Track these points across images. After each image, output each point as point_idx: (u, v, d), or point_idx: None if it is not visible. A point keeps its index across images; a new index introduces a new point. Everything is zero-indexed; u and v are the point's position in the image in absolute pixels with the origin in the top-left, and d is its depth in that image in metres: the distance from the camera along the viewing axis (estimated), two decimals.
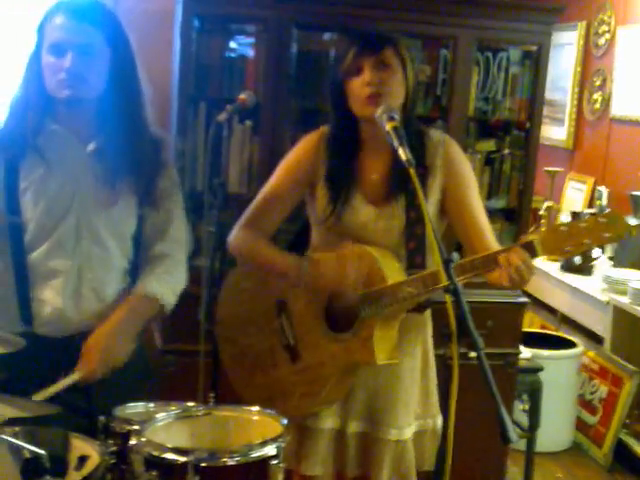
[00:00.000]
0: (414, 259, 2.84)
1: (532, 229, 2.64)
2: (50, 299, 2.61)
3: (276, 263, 2.93)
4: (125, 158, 2.63)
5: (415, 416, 2.97)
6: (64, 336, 2.63)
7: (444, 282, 2.22)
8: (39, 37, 2.58)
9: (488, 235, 2.88)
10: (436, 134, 2.91)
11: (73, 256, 2.62)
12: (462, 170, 2.93)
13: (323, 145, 2.91)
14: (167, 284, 2.75)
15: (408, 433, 2.94)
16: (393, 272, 2.79)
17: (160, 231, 2.78)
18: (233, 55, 4.23)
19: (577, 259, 2.49)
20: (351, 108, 2.81)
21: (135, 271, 2.76)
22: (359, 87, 2.75)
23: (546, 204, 6.31)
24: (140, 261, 2.77)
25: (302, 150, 2.96)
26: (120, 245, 2.71)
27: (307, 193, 2.95)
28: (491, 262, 2.60)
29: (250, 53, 4.24)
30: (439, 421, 2.99)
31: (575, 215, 2.59)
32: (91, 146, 2.62)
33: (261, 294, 3.00)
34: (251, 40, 4.27)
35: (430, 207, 2.84)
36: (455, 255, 2.28)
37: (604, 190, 6.22)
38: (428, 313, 2.99)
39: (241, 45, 4.25)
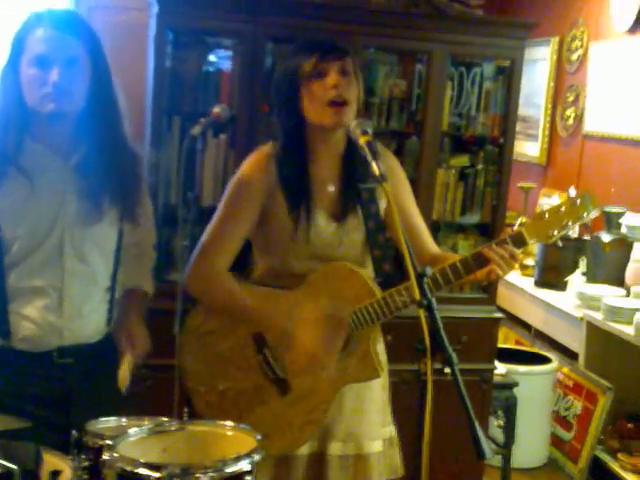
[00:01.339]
0: (381, 267, 2.84)
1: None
2: (31, 315, 2.57)
3: (255, 316, 2.82)
4: (107, 172, 2.60)
5: (380, 425, 2.96)
6: (42, 351, 2.60)
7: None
8: (17, 49, 2.51)
9: (429, 241, 3.00)
10: (376, 144, 2.88)
11: (56, 273, 2.59)
12: (400, 178, 2.97)
13: (272, 163, 2.82)
14: (147, 275, 2.89)
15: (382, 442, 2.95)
16: (374, 284, 2.78)
17: (136, 240, 2.80)
18: (208, 69, 4.22)
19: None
20: (306, 114, 2.76)
21: (114, 286, 2.74)
22: (321, 90, 2.71)
23: (520, 219, 6.32)
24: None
25: (251, 171, 2.84)
26: (103, 261, 2.69)
27: (261, 215, 2.84)
28: (474, 263, 2.70)
29: (225, 67, 4.24)
30: (394, 429, 3.01)
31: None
32: (73, 160, 2.58)
33: (231, 332, 2.86)
34: (225, 54, 4.27)
35: (382, 215, 2.88)
36: (428, 270, 2.26)
37: None
38: None
39: (216, 59, 4.25)
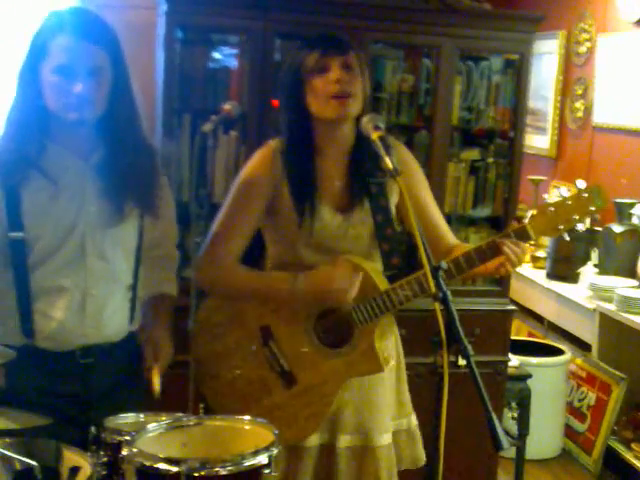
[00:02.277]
0: (391, 261, 2.85)
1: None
2: (54, 314, 2.58)
3: (265, 282, 2.86)
4: (128, 173, 2.60)
5: (391, 417, 2.97)
6: (66, 350, 2.61)
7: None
8: (38, 53, 2.48)
9: (447, 232, 3.00)
10: (388, 138, 2.89)
11: (79, 273, 2.59)
12: (415, 171, 2.98)
13: (278, 158, 2.85)
14: (172, 278, 2.90)
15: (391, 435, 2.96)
16: (379, 277, 2.80)
17: (158, 236, 2.81)
18: (217, 66, 4.23)
19: (580, 226, 2.68)
20: (310, 108, 2.77)
21: (136, 285, 2.75)
22: (324, 84, 2.73)
23: (531, 212, 6.31)
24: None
25: (258, 166, 2.88)
26: (125, 259, 2.69)
27: (268, 208, 2.88)
28: (489, 252, 2.71)
29: (234, 64, 4.25)
30: (413, 420, 3.03)
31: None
32: (93, 160, 2.59)
33: (238, 325, 2.91)
34: (234, 51, 4.28)
35: (392, 208, 2.89)
36: (444, 263, 2.27)
37: None
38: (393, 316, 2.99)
39: (225, 56, 4.25)
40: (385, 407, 2.94)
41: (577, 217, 2.69)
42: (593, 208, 2.69)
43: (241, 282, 2.88)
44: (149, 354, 2.67)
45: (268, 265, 2.96)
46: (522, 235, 2.71)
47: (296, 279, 2.77)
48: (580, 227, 2.75)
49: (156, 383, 2.61)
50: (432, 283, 2.22)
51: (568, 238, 2.77)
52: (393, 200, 2.90)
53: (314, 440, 2.89)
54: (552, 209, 2.70)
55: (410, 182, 2.86)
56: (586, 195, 2.69)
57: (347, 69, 2.75)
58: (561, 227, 2.70)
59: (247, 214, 2.87)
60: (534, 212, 2.74)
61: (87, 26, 2.49)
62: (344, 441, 2.90)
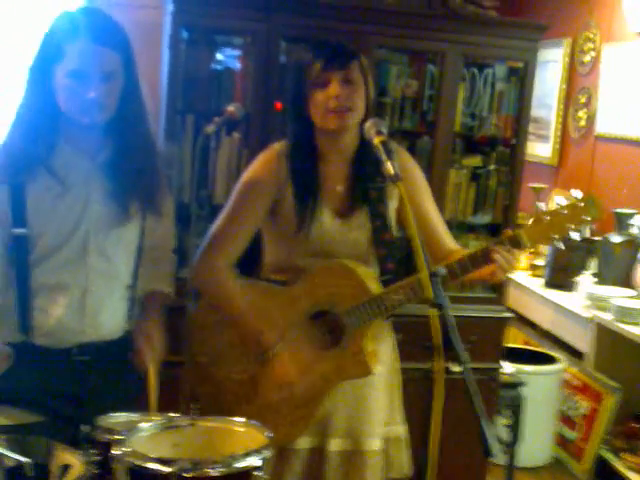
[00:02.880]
0: (386, 265, 2.87)
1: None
2: (54, 311, 2.59)
3: (248, 328, 2.89)
4: (135, 175, 2.61)
5: (382, 423, 2.98)
6: (62, 347, 2.62)
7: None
8: (51, 55, 2.48)
9: (447, 238, 3.01)
10: (390, 143, 2.88)
11: (80, 271, 2.61)
12: (416, 177, 2.99)
13: (282, 161, 2.88)
14: (167, 277, 2.88)
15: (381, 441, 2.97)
16: (372, 281, 2.81)
17: (157, 238, 2.82)
18: (221, 67, 4.24)
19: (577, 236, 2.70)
20: (312, 118, 2.81)
21: (135, 285, 2.76)
22: (324, 99, 2.76)
23: (531, 220, 6.31)
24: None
25: (261, 169, 2.90)
26: (126, 259, 2.71)
27: (269, 211, 2.90)
28: (482, 258, 2.72)
29: (238, 65, 4.25)
30: (403, 429, 3.04)
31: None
32: (99, 159, 2.60)
33: (230, 326, 2.92)
34: (239, 52, 4.28)
35: (391, 214, 2.91)
36: (441, 269, 2.28)
37: None
38: (389, 321, 3.00)
39: (229, 57, 4.26)
40: (377, 412, 2.95)
41: (572, 226, 2.70)
42: (588, 218, 2.71)
43: (228, 302, 2.90)
44: (142, 346, 2.68)
45: (265, 267, 2.97)
46: (515, 242, 2.72)
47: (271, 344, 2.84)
48: (576, 236, 2.76)
49: (152, 399, 2.62)
50: (429, 289, 2.23)
51: (563, 247, 2.78)
52: (393, 205, 2.92)
53: (304, 443, 2.90)
54: (547, 218, 2.71)
55: (411, 187, 2.88)
56: (582, 205, 2.71)
57: (347, 83, 2.78)
58: (555, 236, 2.72)
59: (248, 218, 2.89)
60: (531, 221, 2.75)
61: (103, 30, 2.50)
62: (334, 445, 2.92)
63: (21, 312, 2.58)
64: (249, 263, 2.97)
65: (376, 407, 2.95)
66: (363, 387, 2.91)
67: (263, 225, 2.94)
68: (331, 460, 2.91)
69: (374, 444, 2.93)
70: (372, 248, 2.89)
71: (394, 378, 3.04)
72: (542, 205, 6.37)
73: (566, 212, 2.70)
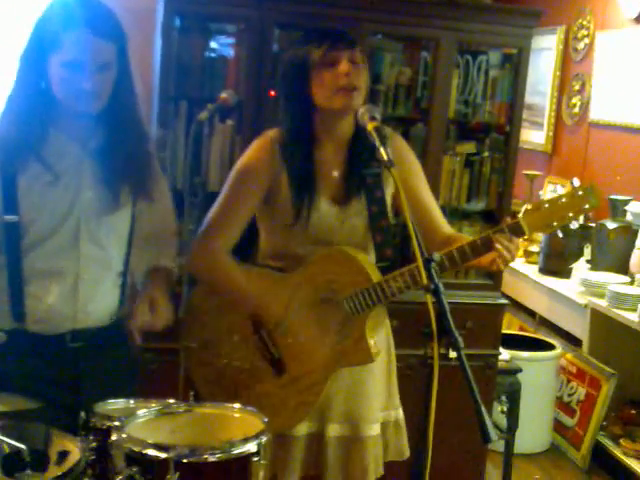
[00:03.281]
0: (383, 252, 2.86)
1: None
2: (46, 297, 2.59)
3: (253, 302, 2.89)
4: (126, 162, 2.60)
5: (380, 408, 2.99)
6: (56, 334, 2.61)
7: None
8: (46, 43, 2.46)
9: (442, 222, 3.00)
10: (384, 129, 2.85)
11: (72, 257, 2.60)
12: (411, 161, 2.99)
13: (276, 148, 2.86)
14: (169, 254, 2.87)
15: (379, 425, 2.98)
16: (372, 269, 2.81)
17: (157, 223, 2.81)
18: (214, 54, 4.23)
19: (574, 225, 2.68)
20: (316, 100, 2.79)
21: (127, 271, 2.75)
22: (333, 77, 2.74)
23: (525, 207, 6.32)
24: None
25: (255, 156, 2.89)
26: (118, 245, 2.70)
27: (264, 198, 2.89)
28: (483, 247, 2.70)
29: (231, 52, 4.24)
30: (400, 413, 3.05)
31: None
32: (90, 145, 2.59)
33: (229, 312, 2.93)
34: (232, 39, 4.27)
35: (388, 201, 2.90)
36: (436, 255, 2.28)
37: None
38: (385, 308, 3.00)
39: (222, 44, 4.25)
40: (375, 398, 2.96)
41: (571, 215, 2.70)
42: (587, 206, 2.71)
43: (230, 282, 2.90)
44: (143, 307, 2.66)
45: (261, 255, 2.97)
46: (516, 230, 2.71)
47: (285, 312, 2.84)
48: (574, 225, 2.76)
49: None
50: (424, 275, 2.22)
51: (561, 235, 2.77)
52: (389, 191, 2.92)
53: (303, 429, 2.91)
54: (547, 206, 2.70)
55: (406, 173, 2.88)
56: (581, 193, 2.69)
57: (354, 63, 2.77)
58: (554, 224, 2.71)
59: (243, 204, 2.88)
60: (528, 207, 2.74)
61: (99, 21, 2.47)
62: (333, 430, 2.92)
63: (13, 299, 2.58)
64: (244, 248, 2.96)
65: (374, 392, 2.96)
66: (361, 372, 2.92)
67: (259, 212, 2.94)
68: (330, 445, 2.92)
69: (373, 429, 2.94)
70: (369, 234, 2.88)
71: (391, 364, 3.04)
72: (541, 193, 6.38)
73: (565, 200, 2.69)
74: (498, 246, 2.67)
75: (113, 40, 2.49)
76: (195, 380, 2.94)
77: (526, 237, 6.09)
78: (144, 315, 2.63)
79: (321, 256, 2.83)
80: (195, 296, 2.96)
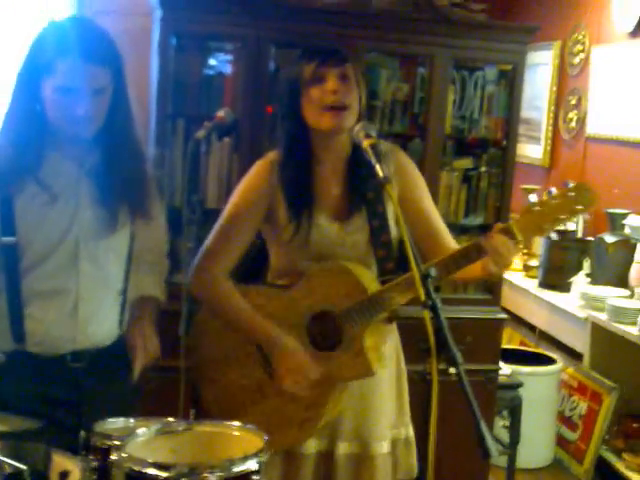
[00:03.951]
0: (385, 266, 2.84)
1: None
2: (46, 318, 2.58)
3: (245, 320, 2.86)
4: (123, 182, 2.61)
5: (390, 426, 2.97)
6: (56, 355, 2.61)
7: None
8: (42, 67, 2.45)
9: (447, 236, 2.95)
10: (385, 145, 2.86)
11: (71, 277, 2.60)
12: (414, 176, 2.96)
13: (275, 170, 2.85)
14: (160, 283, 2.89)
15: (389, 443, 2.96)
16: (370, 281, 2.80)
17: (149, 242, 2.82)
18: (211, 72, 4.25)
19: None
20: (306, 119, 2.78)
21: (127, 289, 2.76)
22: (320, 95, 2.72)
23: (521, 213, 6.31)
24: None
25: (255, 179, 2.89)
26: (117, 264, 2.70)
27: (265, 219, 2.89)
28: (474, 252, 2.65)
29: (228, 70, 4.27)
30: (411, 430, 3.02)
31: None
32: (87, 165, 2.59)
33: (234, 330, 2.92)
34: (229, 58, 4.30)
35: (389, 215, 2.87)
36: (432, 270, 2.27)
37: None
38: (394, 324, 2.98)
39: (219, 62, 4.28)
40: (384, 414, 2.94)
41: (564, 216, 2.63)
42: (580, 207, 2.62)
43: (228, 309, 2.89)
44: (135, 342, 2.70)
45: (270, 272, 2.97)
46: (507, 235, 2.64)
47: (270, 340, 2.81)
48: (572, 226, 2.71)
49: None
50: (421, 291, 2.21)
51: (556, 237, 2.73)
52: (390, 206, 2.90)
53: (312, 447, 2.88)
54: (538, 208, 2.63)
55: (409, 187, 2.88)
56: (573, 194, 2.62)
57: (344, 80, 2.74)
58: (547, 227, 2.65)
59: (242, 229, 2.88)
60: (521, 212, 2.70)
61: (94, 46, 2.47)
62: (342, 448, 2.90)
63: (13, 320, 2.58)
64: (256, 268, 2.98)
65: (383, 410, 2.94)
66: (370, 390, 2.90)
67: (264, 231, 2.94)
68: (340, 464, 2.89)
69: (382, 447, 2.92)
70: (371, 249, 2.88)
71: (401, 380, 3.03)
72: (534, 197, 6.36)
73: (557, 201, 2.62)
74: (487, 245, 2.62)
75: (108, 64, 2.49)
76: (205, 398, 2.93)
77: (525, 251, 6.13)
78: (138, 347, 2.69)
79: (318, 270, 2.82)
80: (202, 313, 2.95)
